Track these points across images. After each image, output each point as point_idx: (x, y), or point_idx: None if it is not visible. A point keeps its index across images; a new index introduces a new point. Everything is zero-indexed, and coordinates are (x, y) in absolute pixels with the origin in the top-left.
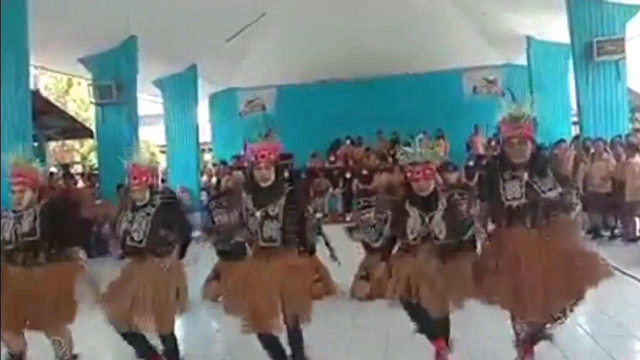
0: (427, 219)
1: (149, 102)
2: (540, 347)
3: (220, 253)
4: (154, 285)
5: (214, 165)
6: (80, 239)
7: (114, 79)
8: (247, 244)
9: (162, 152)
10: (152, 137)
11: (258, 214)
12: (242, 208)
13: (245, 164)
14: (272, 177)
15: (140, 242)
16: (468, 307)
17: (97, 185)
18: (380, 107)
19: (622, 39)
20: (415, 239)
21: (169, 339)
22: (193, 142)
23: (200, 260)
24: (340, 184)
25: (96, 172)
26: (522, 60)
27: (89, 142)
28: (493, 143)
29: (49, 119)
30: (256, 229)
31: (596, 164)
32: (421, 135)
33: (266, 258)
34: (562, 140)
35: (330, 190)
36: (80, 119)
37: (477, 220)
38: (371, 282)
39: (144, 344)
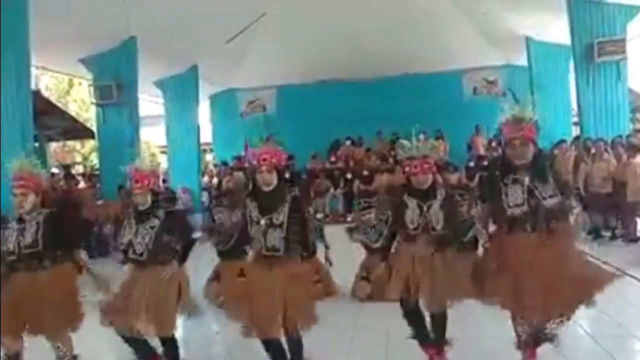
0: (425, 209)
1: (150, 102)
2: (540, 347)
3: (220, 254)
4: (154, 289)
5: (215, 166)
6: (82, 240)
7: (114, 79)
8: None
9: (163, 152)
10: (153, 137)
11: (262, 221)
12: (246, 212)
13: (247, 165)
14: (275, 181)
15: (141, 254)
16: (468, 307)
17: (98, 185)
18: (381, 107)
19: (623, 40)
20: (415, 228)
21: (169, 342)
22: (194, 143)
23: (201, 261)
24: (341, 185)
25: (97, 172)
26: (522, 61)
27: (90, 143)
28: (494, 144)
29: (50, 120)
30: (260, 237)
31: (597, 165)
32: (421, 136)
33: (269, 267)
34: (562, 141)
35: (331, 190)
36: (81, 120)
37: (478, 222)
38: (372, 283)
39: (144, 345)
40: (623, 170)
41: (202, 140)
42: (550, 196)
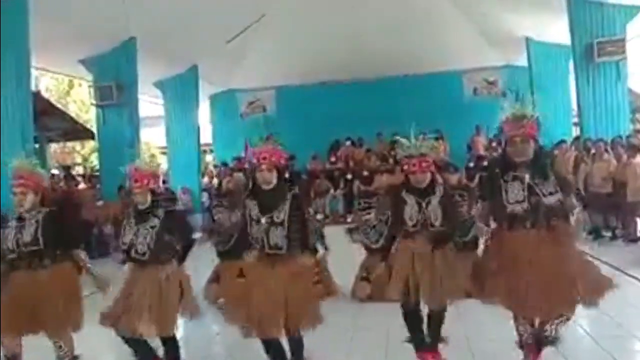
0: (423, 205)
1: (150, 103)
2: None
3: (220, 254)
4: (155, 289)
5: (215, 166)
6: (81, 241)
7: (114, 80)
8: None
9: (163, 153)
10: (153, 138)
11: (263, 220)
12: (245, 212)
13: (247, 166)
14: (274, 180)
15: (144, 254)
16: (469, 308)
17: (98, 186)
18: (381, 108)
19: (623, 40)
20: (414, 225)
21: (170, 341)
22: (194, 144)
23: (201, 261)
24: (341, 185)
25: (97, 173)
26: (522, 62)
27: (90, 144)
28: (494, 144)
29: (50, 121)
30: (262, 236)
31: (597, 165)
32: (420, 135)
33: (272, 265)
34: (562, 141)
35: (331, 191)
36: (81, 121)
37: (479, 219)
38: (372, 283)
39: (145, 347)
40: (623, 171)
41: (202, 141)
42: (551, 193)
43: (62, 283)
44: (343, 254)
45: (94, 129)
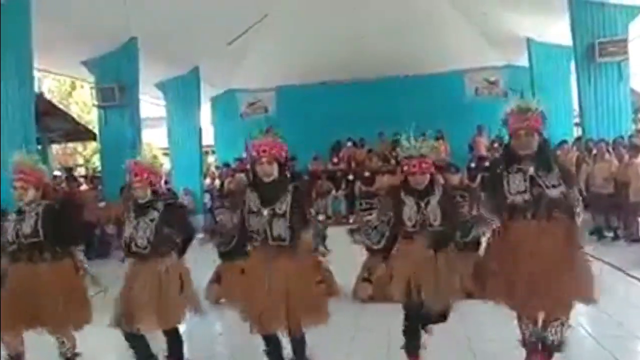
0: (422, 205)
1: (152, 104)
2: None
3: (222, 255)
4: (154, 282)
5: (216, 167)
6: (82, 238)
7: (116, 81)
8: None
9: (165, 154)
10: (154, 139)
11: (265, 212)
12: (244, 208)
13: (248, 167)
14: (275, 172)
15: (144, 248)
16: (470, 308)
17: (100, 187)
18: (382, 108)
19: (625, 40)
20: (414, 226)
21: (173, 337)
22: (196, 145)
23: (203, 262)
24: (343, 186)
25: (99, 174)
26: (523, 62)
27: (92, 145)
28: (496, 144)
29: (52, 122)
30: (264, 227)
31: (598, 165)
32: (420, 136)
33: (275, 257)
34: (564, 142)
35: (333, 192)
36: (83, 122)
37: (483, 210)
38: (373, 284)
39: (147, 352)
40: (625, 171)
41: (204, 142)
42: (554, 185)
43: (63, 279)
44: (344, 255)
45: (96, 130)
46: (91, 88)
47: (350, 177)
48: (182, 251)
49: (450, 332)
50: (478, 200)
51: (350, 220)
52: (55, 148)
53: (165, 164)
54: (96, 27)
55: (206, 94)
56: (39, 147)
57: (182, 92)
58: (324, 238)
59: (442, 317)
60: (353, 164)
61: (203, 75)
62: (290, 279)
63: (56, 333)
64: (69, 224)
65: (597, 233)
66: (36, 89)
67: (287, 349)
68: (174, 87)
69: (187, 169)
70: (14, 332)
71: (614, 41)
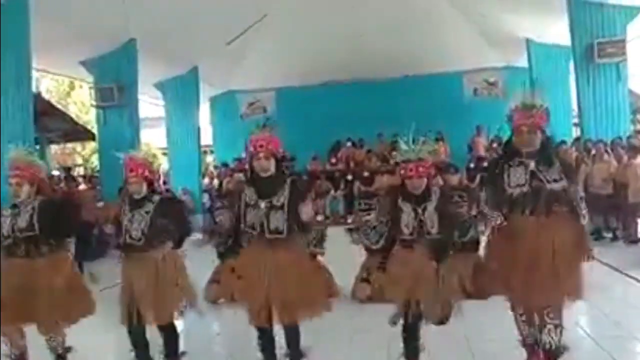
0: (420, 212)
1: (151, 104)
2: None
3: (220, 255)
4: (152, 271)
5: (215, 167)
6: (75, 231)
7: (115, 81)
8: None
9: (164, 154)
10: (153, 139)
11: (263, 204)
12: (241, 203)
13: (246, 166)
14: (272, 168)
15: (139, 240)
16: (469, 309)
17: (98, 187)
18: (381, 108)
19: (623, 41)
20: (411, 233)
21: (169, 332)
22: (194, 145)
23: (202, 262)
24: (342, 186)
25: (97, 174)
26: (522, 62)
27: (91, 145)
28: (495, 145)
29: (51, 122)
30: (261, 220)
31: (597, 166)
32: (420, 138)
33: (272, 249)
34: (563, 142)
35: (332, 192)
36: (81, 122)
37: (484, 208)
38: (372, 284)
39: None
40: (624, 172)
41: (203, 142)
42: (555, 180)
43: (60, 272)
44: (343, 255)
45: (95, 130)
46: (90, 88)
47: (349, 177)
48: (177, 244)
49: (449, 332)
50: (477, 200)
51: (349, 221)
52: (53, 148)
53: (164, 163)
54: (95, 27)
55: (205, 94)
56: (37, 147)
57: (181, 92)
58: (322, 238)
59: (442, 322)
60: (352, 164)
61: (202, 75)
62: (287, 270)
63: (50, 330)
64: (65, 219)
65: (596, 234)
66: (34, 89)
67: (281, 348)
68: (172, 87)
69: (185, 168)
70: (12, 327)
71: (613, 42)
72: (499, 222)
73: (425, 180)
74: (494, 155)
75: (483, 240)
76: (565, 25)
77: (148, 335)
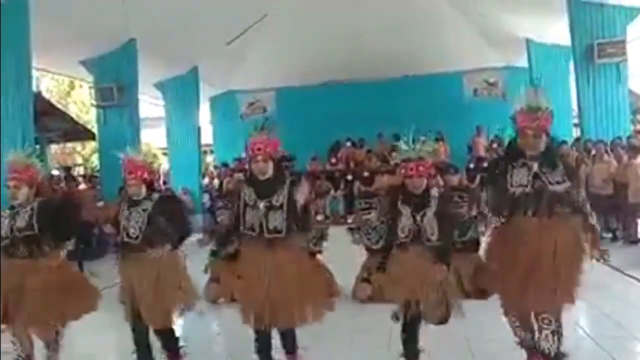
0: (418, 217)
1: (151, 104)
2: None
3: (213, 253)
4: (151, 280)
5: (215, 167)
6: (74, 233)
7: (115, 81)
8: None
9: (164, 154)
10: (153, 139)
11: (261, 205)
12: (240, 203)
13: (247, 166)
14: (270, 170)
15: (136, 238)
16: (469, 309)
17: (98, 187)
18: (381, 108)
19: (623, 41)
20: (406, 237)
21: (167, 335)
22: (194, 144)
23: (202, 262)
24: (342, 186)
25: (98, 174)
26: (522, 63)
27: (91, 145)
28: (495, 145)
29: (51, 121)
30: (260, 221)
31: (597, 166)
32: (420, 138)
33: (272, 250)
34: (563, 142)
35: (332, 192)
36: (81, 122)
37: (485, 209)
38: (372, 284)
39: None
40: (624, 172)
41: (203, 141)
42: (558, 182)
43: (61, 271)
44: (344, 255)
45: (95, 130)
46: (90, 88)
47: (349, 177)
48: (175, 246)
49: (449, 333)
50: (477, 200)
51: (349, 220)
52: (53, 148)
53: (164, 163)
54: (95, 27)
55: (205, 94)
56: (37, 147)
57: (181, 92)
58: (322, 236)
59: (441, 322)
60: (352, 164)
61: (202, 75)
62: (287, 269)
63: (43, 331)
64: (65, 220)
65: None
66: (34, 89)
67: (276, 349)
68: (172, 87)
69: (185, 168)
70: (22, 332)
71: (613, 42)
72: (497, 224)
73: (425, 180)
74: (494, 155)
75: (483, 240)
76: (566, 26)
77: (151, 334)
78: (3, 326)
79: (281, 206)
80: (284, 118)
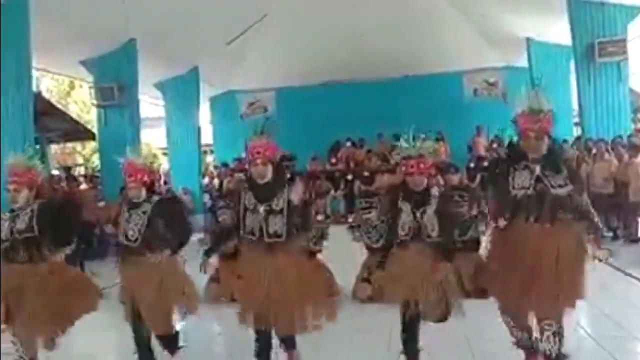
0: (418, 215)
1: (151, 104)
2: None
3: (206, 252)
4: (154, 286)
5: (215, 167)
6: (74, 238)
7: (115, 81)
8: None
9: (164, 154)
10: (154, 139)
11: (261, 208)
12: (240, 207)
13: (247, 166)
14: (269, 174)
15: (135, 240)
16: (469, 308)
17: (99, 187)
18: (381, 108)
19: (624, 40)
20: (406, 234)
21: (167, 340)
22: (194, 144)
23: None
24: (342, 186)
25: (98, 174)
26: (522, 62)
27: (91, 145)
28: (495, 145)
29: (51, 122)
30: (260, 225)
31: (598, 165)
32: (421, 136)
33: (272, 253)
34: (564, 141)
35: (332, 192)
36: (82, 122)
37: (485, 209)
38: (373, 284)
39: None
40: (625, 171)
41: (203, 141)
42: (560, 186)
43: (62, 272)
44: (344, 254)
45: (95, 130)
46: (90, 88)
47: (349, 177)
48: (174, 251)
49: (449, 332)
50: (477, 200)
51: (349, 220)
52: (54, 148)
53: (164, 163)
54: (95, 27)
55: (205, 94)
56: (38, 147)
57: (181, 92)
58: (322, 236)
59: (441, 320)
60: (352, 164)
61: (202, 75)
62: (287, 272)
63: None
64: (65, 221)
65: None
66: (34, 89)
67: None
68: (173, 87)
69: (185, 168)
70: (27, 337)
71: (614, 41)
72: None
73: (425, 178)
74: (494, 155)
75: (483, 239)
76: (566, 25)
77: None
78: (3, 326)
79: (281, 210)
80: (284, 118)
